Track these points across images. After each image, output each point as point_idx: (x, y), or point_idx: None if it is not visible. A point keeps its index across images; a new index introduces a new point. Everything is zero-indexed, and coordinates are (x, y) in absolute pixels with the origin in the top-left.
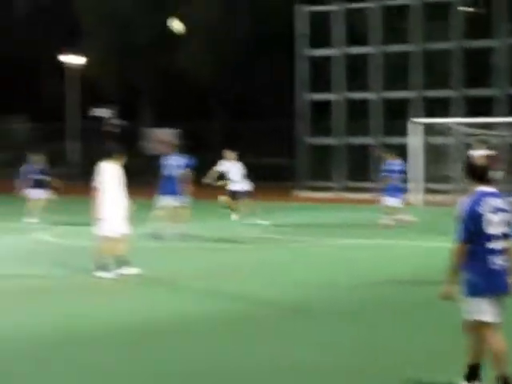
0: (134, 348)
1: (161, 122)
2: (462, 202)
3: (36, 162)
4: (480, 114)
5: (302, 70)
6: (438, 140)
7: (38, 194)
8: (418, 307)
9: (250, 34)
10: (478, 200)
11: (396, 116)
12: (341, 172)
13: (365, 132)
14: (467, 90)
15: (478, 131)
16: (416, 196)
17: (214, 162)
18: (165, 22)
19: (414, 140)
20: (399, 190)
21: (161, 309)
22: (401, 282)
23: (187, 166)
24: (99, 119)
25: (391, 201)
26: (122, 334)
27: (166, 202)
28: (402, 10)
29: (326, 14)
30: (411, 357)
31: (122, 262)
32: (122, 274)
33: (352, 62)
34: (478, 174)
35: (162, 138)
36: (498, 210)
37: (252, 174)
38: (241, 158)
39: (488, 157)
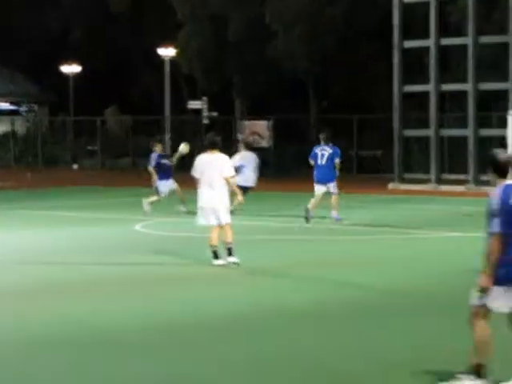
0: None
1: (255, 114)
2: (493, 196)
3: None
4: None
5: (398, 62)
6: None
7: (171, 184)
8: None
9: (348, 25)
10: (507, 192)
11: (490, 108)
12: (436, 164)
13: (460, 124)
14: None
15: None
16: None
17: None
18: (258, 14)
19: (509, 132)
20: None
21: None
22: None
23: (337, 155)
24: (194, 112)
25: None
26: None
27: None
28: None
29: (420, 5)
30: None
31: (228, 250)
32: (231, 263)
33: (446, 54)
34: (499, 170)
35: (256, 129)
36: None
37: (351, 166)
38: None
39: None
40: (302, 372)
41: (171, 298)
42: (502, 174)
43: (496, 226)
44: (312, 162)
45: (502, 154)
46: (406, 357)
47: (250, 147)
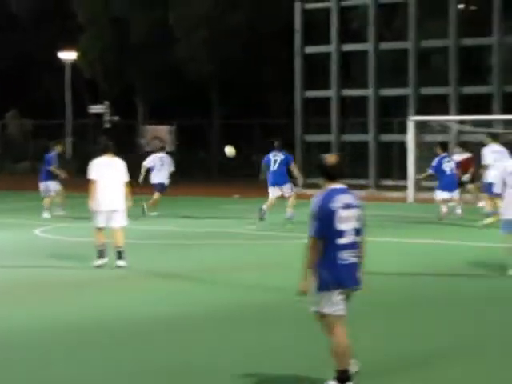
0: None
1: (157, 119)
2: (314, 199)
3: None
4: (475, 111)
5: (300, 68)
6: (434, 137)
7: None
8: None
9: (250, 30)
10: (329, 197)
11: (391, 113)
12: None
13: (361, 129)
14: (462, 88)
15: (476, 129)
16: (409, 193)
17: (212, 158)
18: (161, 18)
19: (409, 137)
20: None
21: (174, 302)
22: (413, 275)
23: (290, 160)
24: (96, 116)
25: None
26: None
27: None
28: (396, 7)
29: (321, 12)
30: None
31: (118, 253)
32: (119, 266)
33: (347, 59)
34: (328, 173)
35: (158, 134)
36: (349, 206)
37: (254, 170)
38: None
39: (338, 156)
40: (196, 374)
41: (69, 303)
42: (329, 178)
43: (313, 229)
44: (264, 168)
45: (330, 158)
46: (305, 362)
47: (163, 149)
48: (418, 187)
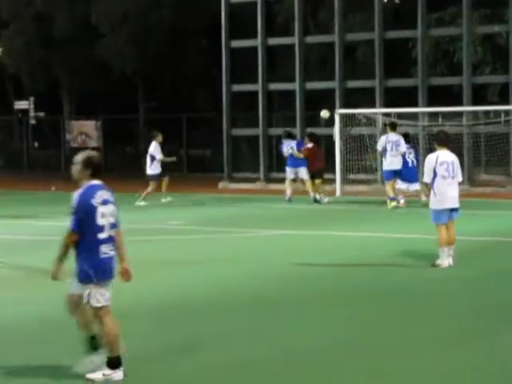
0: None
1: (83, 114)
2: (76, 195)
3: None
4: (400, 104)
5: (226, 62)
6: (359, 130)
7: None
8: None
9: (176, 24)
10: (90, 192)
11: (318, 106)
12: (264, 163)
13: (289, 123)
14: (388, 81)
15: (402, 122)
16: (337, 186)
17: (139, 153)
18: (85, 13)
19: (336, 130)
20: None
21: None
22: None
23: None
24: (21, 112)
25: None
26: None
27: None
28: (322, 0)
29: (247, 6)
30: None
31: None
32: None
33: (273, 53)
34: (92, 169)
35: (84, 129)
36: (107, 201)
37: (181, 165)
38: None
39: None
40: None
41: None
42: (93, 175)
43: (73, 223)
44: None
45: (93, 156)
46: (246, 355)
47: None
48: (345, 180)
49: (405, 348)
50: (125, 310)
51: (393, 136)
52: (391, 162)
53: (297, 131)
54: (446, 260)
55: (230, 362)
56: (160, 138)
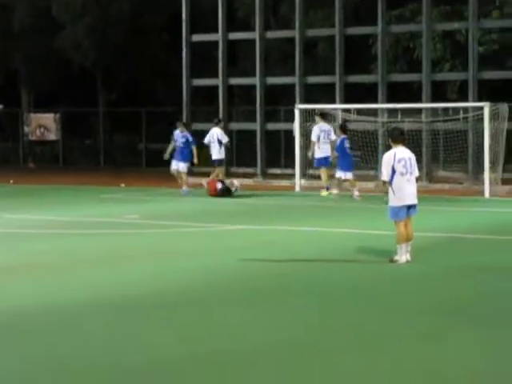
0: None
1: (42, 107)
2: None
3: None
4: (360, 100)
5: (187, 56)
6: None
7: None
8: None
9: (137, 17)
10: None
11: (278, 102)
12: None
13: (249, 118)
14: (348, 77)
15: (361, 118)
16: (297, 181)
17: (98, 146)
18: (45, 4)
19: (296, 126)
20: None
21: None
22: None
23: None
24: None
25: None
26: None
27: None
28: None
29: (208, 0)
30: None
31: None
32: None
33: (234, 48)
34: None
35: (42, 122)
36: None
37: (140, 159)
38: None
39: None
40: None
41: None
42: None
43: None
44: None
45: None
46: (179, 351)
47: None
48: (305, 175)
49: (361, 344)
50: (77, 307)
51: (324, 126)
52: (323, 150)
53: (257, 126)
54: (403, 256)
55: (179, 356)
56: (222, 124)
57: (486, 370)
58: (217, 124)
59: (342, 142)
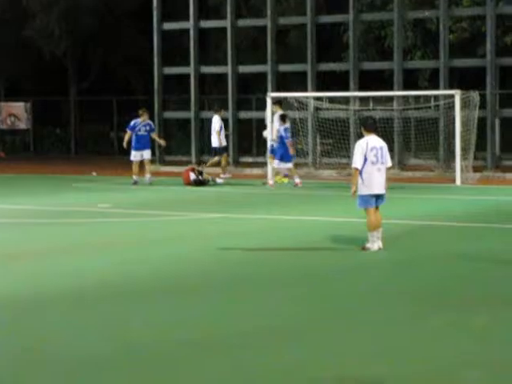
0: None
1: (12, 96)
2: None
3: None
4: (332, 88)
5: (158, 44)
6: (291, 114)
7: None
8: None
9: (108, 6)
10: None
11: (250, 90)
12: (196, 146)
13: (219, 106)
14: (319, 65)
15: (333, 106)
16: (267, 170)
17: (69, 135)
18: None
19: (268, 114)
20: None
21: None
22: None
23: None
24: None
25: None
26: None
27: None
28: None
29: None
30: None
31: None
32: None
33: (205, 36)
34: None
35: (13, 111)
36: None
37: (112, 147)
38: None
39: None
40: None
41: None
42: None
43: None
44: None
45: None
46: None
47: None
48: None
49: (332, 331)
50: (42, 295)
51: (280, 112)
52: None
53: (229, 114)
54: (375, 243)
55: (147, 345)
56: (222, 112)
57: (453, 352)
58: (216, 112)
59: (286, 131)
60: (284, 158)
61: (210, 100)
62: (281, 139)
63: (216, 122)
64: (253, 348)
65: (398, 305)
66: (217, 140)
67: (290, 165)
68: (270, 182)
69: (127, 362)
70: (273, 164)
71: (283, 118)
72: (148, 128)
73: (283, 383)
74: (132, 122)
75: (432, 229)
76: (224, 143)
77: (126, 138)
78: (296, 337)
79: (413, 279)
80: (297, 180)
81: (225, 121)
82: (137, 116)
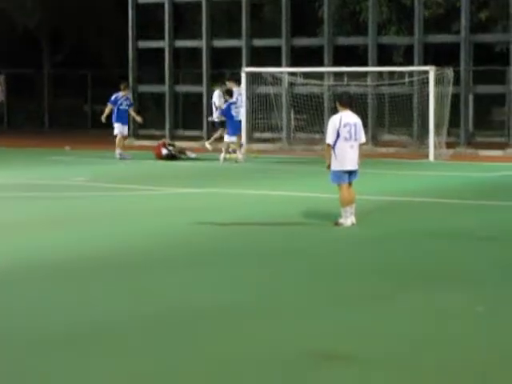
0: None
1: None
2: None
3: None
4: (306, 63)
5: (133, 17)
6: (266, 89)
7: None
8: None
9: None
10: None
11: (225, 65)
12: (170, 121)
13: (195, 81)
14: (294, 40)
15: (307, 81)
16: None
17: (42, 109)
18: None
19: (243, 89)
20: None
21: None
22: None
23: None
24: None
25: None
26: None
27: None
28: None
29: None
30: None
31: None
32: None
33: (180, 10)
34: None
35: None
36: None
37: (86, 121)
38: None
39: None
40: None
41: None
42: None
43: None
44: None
45: None
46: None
47: None
48: (251, 139)
49: (305, 310)
50: (14, 269)
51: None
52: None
53: (203, 89)
54: (348, 219)
55: (113, 320)
56: (224, 87)
57: (419, 331)
58: (220, 86)
59: (229, 106)
60: (230, 132)
61: (184, 74)
62: (229, 114)
63: (217, 96)
64: (214, 325)
65: (372, 281)
66: (217, 115)
67: (233, 138)
68: (240, 155)
69: (99, 338)
70: (231, 139)
71: (230, 93)
72: (128, 103)
73: (252, 361)
74: (113, 96)
75: (405, 205)
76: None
77: (107, 111)
78: (263, 314)
79: (387, 256)
80: (239, 155)
81: (199, 94)
82: (114, 90)
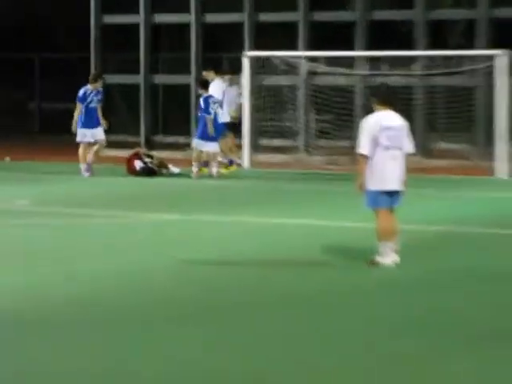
0: None
1: None
2: None
3: None
4: (331, 46)
5: None
6: (276, 80)
7: None
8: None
9: None
10: None
11: (220, 47)
12: (146, 123)
13: (180, 68)
14: (314, 13)
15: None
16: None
17: None
18: None
19: (246, 79)
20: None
21: None
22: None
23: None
24: None
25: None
26: None
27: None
28: None
29: None
30: None
31: None
32: None
33: None
34: None
35: None
36: None
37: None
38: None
39: None
40: None
41: None
42: None
43: None
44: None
45: None
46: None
47: None
48: (257, 147)
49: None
50: None
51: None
52: (224, 113)
53: (190, 79)
54: (388, 257)
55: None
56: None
57: None
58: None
59: (206, 101)
60: (204, 136)
61: (165, 60)
62: (207, 111)
63: (220, 88)
64: None
65: (423, 343)
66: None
67: (212, 146)
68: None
69: None
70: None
71: (204, 84)
72: (99, 98)
73: None
74: (81, 91)
75: (465, 238)
76: (228, 119)
77: (76, 114)
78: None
79: (435, 304)
80: (213, 169)
81: (186, 86)
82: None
